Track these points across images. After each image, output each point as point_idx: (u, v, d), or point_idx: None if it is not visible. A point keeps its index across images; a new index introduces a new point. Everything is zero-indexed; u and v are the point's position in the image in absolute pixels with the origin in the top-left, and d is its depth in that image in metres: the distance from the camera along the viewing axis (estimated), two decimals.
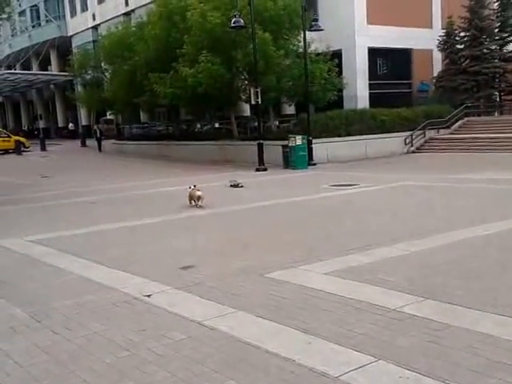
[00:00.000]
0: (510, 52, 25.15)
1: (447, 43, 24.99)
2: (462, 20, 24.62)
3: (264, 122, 21.60)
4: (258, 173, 16.67)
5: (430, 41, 24.76)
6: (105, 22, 35.70)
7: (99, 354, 3.60)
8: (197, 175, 15.56)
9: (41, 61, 44.99)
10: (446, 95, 24.29)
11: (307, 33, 18.22)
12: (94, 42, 37.00)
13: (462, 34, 24.97)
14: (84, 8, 40.79)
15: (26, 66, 46.77)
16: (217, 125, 27.08)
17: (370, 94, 24.20)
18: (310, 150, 17.80)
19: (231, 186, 12.74)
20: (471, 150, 19.33)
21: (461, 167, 15.28)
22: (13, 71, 43.66)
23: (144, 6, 28.93)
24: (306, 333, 3.75)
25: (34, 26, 45.66)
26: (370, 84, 24.31)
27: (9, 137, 33.13)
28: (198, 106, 22.46)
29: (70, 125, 43.37)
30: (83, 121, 41.95)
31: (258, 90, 17.13)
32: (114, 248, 6.91)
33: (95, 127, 33.03)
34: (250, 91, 18.32)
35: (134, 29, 26.34)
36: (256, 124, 19.09)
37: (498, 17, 25.39)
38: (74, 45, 40.73)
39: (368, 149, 19.87)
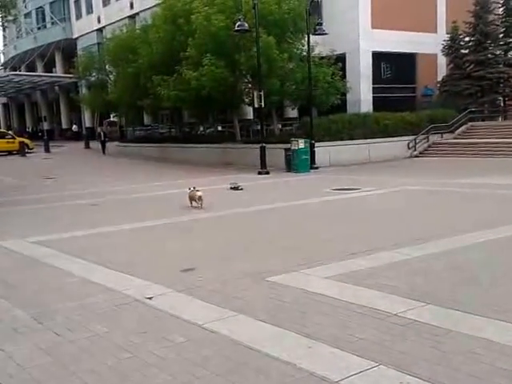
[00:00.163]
0: None
1: (452, 48, 25.00)
2: (467, 25, 24.63)
3: (267, 125, 21.62)
4: (260, 176, 16.68)
5: (435, 45, 24.77)
6: (110, 24, 35.89)
7: (101, 355, 3.62)
8: (199, 178, 15.60)
9: (46, 62, 45.25)
10: (450, 100, 24.28)
11: (311, 36, 18.25)
12: (98, 44, 37.21)
13: (467, 38, 24.98)
14: (89, 10, 41.02)
15: (31, 67, 47.02)
16: (220, 128, 27.15)
17: (373, 97, 24.21)
18: (313, 154, 17.80)
19: (231, 188, 12.83)
20: (475, 155, 19.29)
21: (464, 172, 15.24)
22: (18, 73, 43.90)
23: (149, 8, 29.05)
24: (307, 337, 3.75)
25: (39, 28, 45.93)
26: (373, 88, 24.33)
27: (13, 138, 33.27)
28: (201, 109, 22.52)
29: (74, 127, 43.54)
30: (87, 123, 42.14)
31: (262, 93, 17.16)
32: (115, 250, 6.93)
33: (99, 129, 33.13)
34: (253, 94, 18.35)
35: (138, 31, 26.48)
36: (259, 127, 19.11)
37: (502, 22, 25.39)
38: (78, 47, 40.94)
39: (371, 153, 19.86)
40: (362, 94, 23.68)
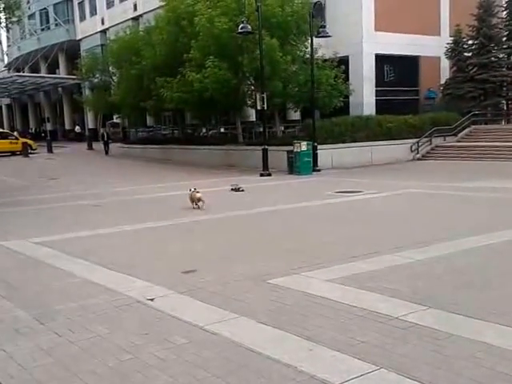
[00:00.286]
0: None
1: (455, 51, 24.98)
2: (470, 28, 24.61)
3: (269, 127, 21.65)
4: (262, 178, 16.69)
5: (438, 48, 24.75)
6: (113, 26, 36.01)
7: (102, 357, 3.62)
8: (201, 179, 15.62)
9: (49, 64, 45.41)
10: (453, 103, 24.25)
11: (314, 39, 18.27)
12: (102, 45, 37.31)
13: (470, 42, 24.96)
14: (93, 12, 41.17)
15: (35, 68, 47.18)
16: (222, 129, 27.18)
17: (376, 100, 24.20)
18: (315, 156, 17.80)
19: (232, 189, 12.86)
20: (478, 158, 19.26)
21: (467, 175, 15.22)
22: (21, 74, 44.06)
23: (152, 10, 29.14)
24: (308, 340, 3.75)
25: (43, 30, 46.10)
26: (376, 91, 24.31)
27: (16, 139, 33.38)
28: (203, 111, 22.55)
29: (77, 128, 43.67)
30: (90, 124, 42.24)
31: (264, 95, 17.18)
32: (117, 251, 6.95)
33: (102, 131, 33.20)
34: (255, 96, 18.38)
35: (142, 33, 26.55)
36: (261, 129, 19.14)
37: (506, 25, 25.35)
38: (82, 48, 41.06)
39: (373, 155, 19.85)
40: (364, 96, 23.67)
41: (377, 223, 8.38)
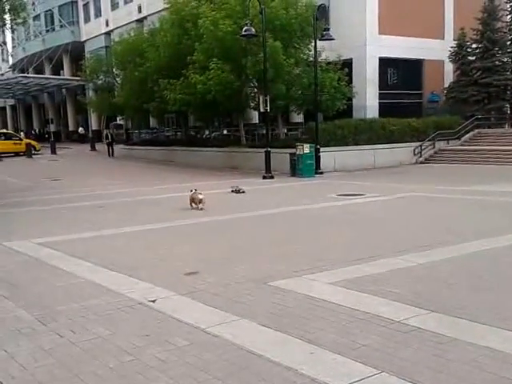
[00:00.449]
0: None
1: (459, 54, 24.97)
2: (475, 32, 24.60)
3: (272, 129, 21.67)
4: (264, 180, 16.69)
5: (442, 52, 24.75)
6: (118, 28, 36.14)
7: (103, 358, 3.62)
8: (204, 181, 15.63)
9: (53, 65, 45.60)
10: (456, 106, 24.23)
11: (318, 42, 18.29)
12: (106, 47, 37.49)
13: (474, 45, 24.95)
14: (98, 14, 41.34)
15: (39, 69, 47.38)
16: (225, 131, 27.21)
17: (379, 103, 24.20)
18: (318, 159, 17.80)
19: (233, 191, 12.87)
20: (481, 162, 19.23)
21: (470, 179, 15.19)
22: (26, 75, 44.23)
23: (157, 12, 29.23)
24: (309, 343, 3.74)
25: (47, 31, 46.31)
26: (380, 94, 24.32)
27: (20, 140, 33.51)
28: (206, 113, 22.60)
29: (80, 129, 43.80)
30: (93, 125, 42.36)
31: (267, 97, 17.20)
32: (119, 252, 6.95)
33: (106, 132, 33.29)
34: (259, 99, 18.39)
35: (146, 35, 26.63)
36: (264, 131, 19.14)
37: (510, 29, 25.33)
38: (86, 50, 41.24)
39: (376, 158, 19.84)
40: (368, 99, 23.68)
41: (379, 226, 8.37)
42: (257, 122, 25.54)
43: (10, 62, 55.57)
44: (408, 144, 20.87)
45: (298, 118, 25.32)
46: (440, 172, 18.36)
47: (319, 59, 18.96)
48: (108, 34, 39.20)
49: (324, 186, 14.60)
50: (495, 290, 4.90)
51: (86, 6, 43.02)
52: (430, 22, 24.55)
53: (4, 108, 61.19)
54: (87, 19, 42.78)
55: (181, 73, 20.01)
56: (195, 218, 9.48)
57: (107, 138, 30.91)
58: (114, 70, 30.16)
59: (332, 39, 18.27)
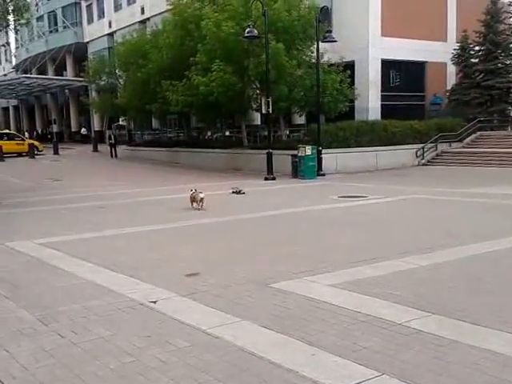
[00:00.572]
0: None
1: (461, 57, 24.92)
2: (477, 34, 24.55)
3: (274, 131, 21.66)
4: (266, 182, 16.69)
5: (444, 54, 24.70)
6: (121, 29, 36.21)
7: (104, 358, 3.63)
8: (206, 182, 15.63)
9: (56, 66, 45.70)
10: (458, 109, 24.17)
11: (320, 43, 18.29)
12: (109, 48, 37.54)
13: (477, 48, 24.88)
14: (101, 15, 41.44)
15: (42, 70, 47.50)
16: (227, 133, 27.21)
17: (382, 105, 24.16)
18: (320, 160, 17.78)
19: (233, 192, 12.89)
20: (483, 165, 19.19)
21: (472, 181, 15.16)
22: (29, 75, 44.35)
23: (159, 14, 29.28)
24: (310, 344, 3.74)
25: (51, 32, 46.44)
26: (382, 95, 24.28)
27: (23, 140, 33.58)
28: (209, 114, 22.61)
29: (83, 130, 43.90)
30: (96, 126, 42.44)
31: (270, 99, 17.20)
32: (121, 253, 6.96)
33: (109, 133, 33.35)
34: (261, 100, 18.41)
35: (148, 36, 26.68)
36: (266, 133, 19.14)
37: None
38: (89, 51, 41.32)
39: (378, 160, 19.81)
40: (370, 101, 23.64)
41: (380, 228, 8.36)
42: (259, 123, 25.54)
43: (14, 62, 55.72)
44: (410, 146, 20.83)
45: (300, 119, 25.29)
46: (442, 174, 18.33)
47: (321, 61, 18.95)
48: (111, 35, 39.28)
49: (326, 188, 14.59)
50: (497, 293, 4.89)
51: (89, 7, 43.14)
52: (432, 24, 24.51)
53: (7, 108, 61.38)
54: (90, 20, 42.89)
55: (183, 74, 20.03)
56: (196, 219, 9.49)
57: (110, 139, 30.95)
58: (116, 71, 30.22)
59: (334, 41, 18.27)
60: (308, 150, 17.21)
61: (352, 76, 21.24)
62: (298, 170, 17.37)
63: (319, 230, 8.41)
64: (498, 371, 3.28)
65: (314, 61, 19.12)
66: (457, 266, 5.86)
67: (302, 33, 19.36)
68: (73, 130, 46.74)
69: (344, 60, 20.96)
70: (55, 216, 10.53)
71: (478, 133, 22.93)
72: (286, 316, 4.35)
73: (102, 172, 22.44)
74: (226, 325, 4.16)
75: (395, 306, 4.51)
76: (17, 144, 32.27)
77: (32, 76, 44.03)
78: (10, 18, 14.71)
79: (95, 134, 40.31)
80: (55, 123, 47.98)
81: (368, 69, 23.66)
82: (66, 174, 21.05)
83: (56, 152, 32.93)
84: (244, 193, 12.90)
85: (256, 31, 16.69)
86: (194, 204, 10.34)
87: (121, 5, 38.88)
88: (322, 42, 18.25)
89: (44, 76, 45.01)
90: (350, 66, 21.43)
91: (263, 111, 18.08)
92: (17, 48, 53.39)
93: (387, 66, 24.42)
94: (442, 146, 21.82)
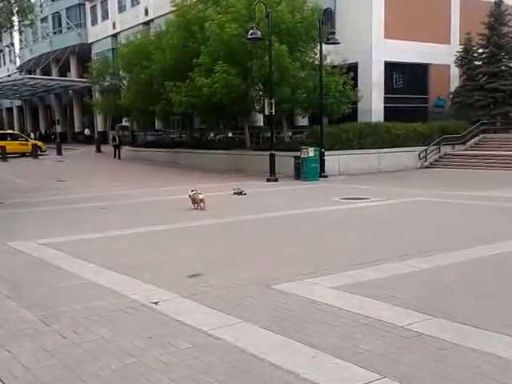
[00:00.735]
0: None
1: (465, 59, 24.88)
2: (481, 37, 24.51)
3: (277, 132, 21.68)
4: (268, 183, 16.70)
5: (448, 56, 24.68)
6: (124, 30, 36.33)
7: (105, 359, 3.63)
8: (208, 183, 15.66)
9: (60, 67, 45.86)
10: (462, 111, 24.14)
11: (324, 45, 18.30)
12: (113, 49, 37.66)
13: (480, 50, 24.86)
14: (105, 16, 41.59)
15: (46, 71, 47.69)
16: (230, 134, 27.25)
17: (385, 107, 24.16)
18: (322, 162, 17.78)
19: (234, 193, 12.91)
20: (486, 167, 19.14)
21: (475, 184, 15.12)
22: (33, 76, 44.54)
23: (163, 15, 29.38)
24: (311, 346, 3.73)
25: (55, 33, 46.63)
26: (385, 98, 24.28)
27: (26, 140, 33.69)
28: (212, 115, 22.65)
29: (86, 130, 44.02)
30: (99, 127, 42.55)
31: (273, 101, 17.23)
32: (122, 254, 6.97)
33: (113, 134, 33.41)
34: (264, 102, 18.42)
35: (152, 38, 26.76)
36: (269, 134, 19.16)
37: None
38: (93, 52, 41.47)
39: (381, 162, 19.79)
40: (373, 103, 23.64)
41: (382, 231, 8.35)
42: (262, 124, 25.57)
43: (18, 63, 55.95)
44: (413, 148, 20.81)
45: (303, 121, 25.31)
46: (445, 177, 18.29)
47: (324, 63, 18.96)
48: (115, 36, 39.42)
49: (328, 190, 14.58)
50: (499, 296, 4.87)
51: (93, 8, 43.29)
52: (436, 26, 24.50)
53: (11, 109, 61.63)
54: (94, 21, 43.04)
55: (187, 75, 20.08)
56: (198, 220, 9.49)
57: (114, 140, 31.01)
58: (120, 72, 30.30)
59: (337, 43, 18.28)
60: (311, 152, 17.22)
61: (355, 78, 21.26)
62: (301, 172, 17.37)
63: (321, 231, 8.41)
64: (500, 375, 3.27)
65: (317, 63, 19.13)
66: (459, 269, 5.85)
67: (305, 35, 19.39)
68: (76, 130, 46.88)
69: (347, 62, 20.97)
70: (58, 216, 10.55)
71: (481, 135, 22.89)
72: (287, 318, 4.35)
73: (105, 173, 22.49)
74: (228, 326, 4.16)
75: (397, 308, 4.51)
76: (20, 144, 32.37)
77: (36, 77, 44.22)
78: (15, 19, 14.78)
79: (98, 134, 40.41)
80: (59, 124, 48.14)
81: (371, 71, 23.66)
82: (69, 174, 21.10)
83: (59, 152, 33.02)
84: (245, 194, 12.92)
85: (259, 33, 16.72)
86: (195, 205, 10.39)
87: (125, 6, 39.02)
88: (325, 43, 18.26)
89: (48, 77, 45.18)
90: (353, 68, 21.44)
91: (266, 113, 18.08)
92: (21, 49, 53.61)
93: (390, 68, 24.42)
94: (445, 149, 21.79)
